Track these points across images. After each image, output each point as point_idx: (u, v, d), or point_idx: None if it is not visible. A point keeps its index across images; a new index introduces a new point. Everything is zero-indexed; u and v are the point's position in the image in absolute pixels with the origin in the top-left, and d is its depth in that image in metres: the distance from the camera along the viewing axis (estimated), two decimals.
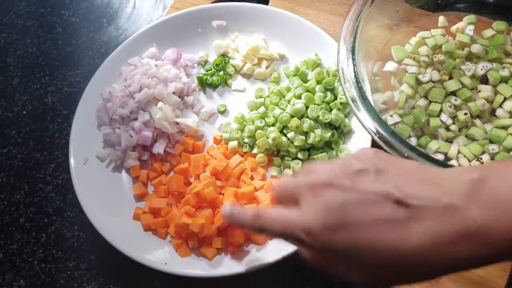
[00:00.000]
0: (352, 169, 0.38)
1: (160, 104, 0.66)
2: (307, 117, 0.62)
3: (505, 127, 0.56)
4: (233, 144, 0.65)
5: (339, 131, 0.64)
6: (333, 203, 0.37)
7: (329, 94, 0.64)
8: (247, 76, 0.72)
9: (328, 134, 0.62)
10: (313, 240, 0.38)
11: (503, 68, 0.59)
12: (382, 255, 0.36)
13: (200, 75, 0.72)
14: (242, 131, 0.66)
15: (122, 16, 0.86)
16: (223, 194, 0.60)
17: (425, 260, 0.35)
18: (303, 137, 0.61)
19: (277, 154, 0.64)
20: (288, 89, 0.67)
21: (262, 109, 0.66)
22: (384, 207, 0.36)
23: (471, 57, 0.61)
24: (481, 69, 0.59)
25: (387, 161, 0.39)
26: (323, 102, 0.64)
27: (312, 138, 0.61)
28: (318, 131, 0.61)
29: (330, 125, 0.64)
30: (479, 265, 0.35)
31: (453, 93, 0.58)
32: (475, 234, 0.34)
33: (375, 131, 0.52)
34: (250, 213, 0.42)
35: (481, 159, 0.55)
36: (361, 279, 0.39)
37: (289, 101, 0.65)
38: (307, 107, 0.63)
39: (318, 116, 0.62)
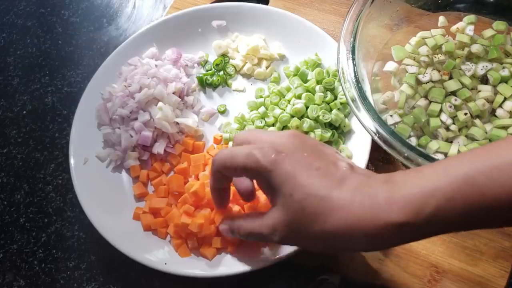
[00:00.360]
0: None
1: (160, 104, 0.66)
2: (307, 117, 0.62)
3: (505, 127, 0.56)
4: None
5: (339, 131, 0.64)
6: (294, 139, 0.46)
7: (329, 94, 0.64)
8: (247, 76, 0.72)
9: (328, 134, 0.62)
10: (264, 156, 0.44)
11: (503, 68, 0.59)
12: (308, 192, 0.41)
13: (200, 75, 0.72)
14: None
15: (122, 16, 0.86)
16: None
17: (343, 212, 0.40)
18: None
19: None
20: (288, 89, 0.67)
21: (262, 109, 0.66)
22: (337, 166, 0.43)
23: (471, 57, 0.61)
24: (481, 69, 0.59)
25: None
26: (323, 102, 0.64)
27: None
28: (318, 131, 0.61)
29: (330, 125, 0.64)
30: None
31: (453, 93, 0.58)
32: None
33: (375, 131, 0.52)
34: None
35: None
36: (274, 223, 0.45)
37: (289, 101, 0.65)
38: (307, 107, 0.63)
39: (318, 116, 0.62)
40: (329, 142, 0.63)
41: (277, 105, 0.66)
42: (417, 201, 0.38)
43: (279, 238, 0.45)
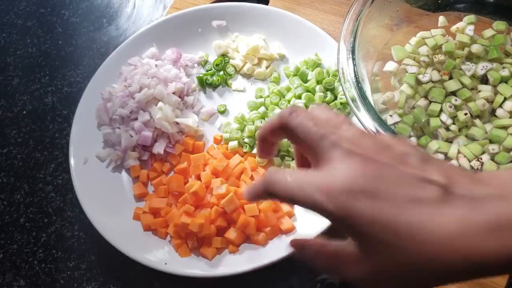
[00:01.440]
0: (396, 151, 0.33)
1: (160, 104, 0.66)
2: None
3: (505, 127, 0.56)
4: (233, 144, 0.65)
5: None
6: (368, 170, 0.32)
7: (329, 94, 0.64)
8: (247, 76, 0.72)
9: None
10: (329, 201, 0.31)
11: (503, 68, 0.59)
12: (402, 235, 0.30)
13: (200, 75, 0.72)
14: (242, 131, 0.66)
15: (122, 16, 0.86)
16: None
17: (446, 249, 0.30)
18: None
19: (277, 154, 0.64)
20: (288, 89, 0.67)
21: (262, 109, 0.66)
22: (426, 189, 0.31)
23: (471, 57, 0.61)
24: (481, 69, 0.58)
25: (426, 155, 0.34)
26: (323, 102, 0.64)
27: None
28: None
29: None
30: (503, 267, 0.31)
31: (453, 93, 0.58)
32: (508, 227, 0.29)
33: (375, 131, 0.52)
34: (260, 181, 0.36)
35: (481, 159, 0.55)
36: (362, 271, 0.33)
37: (289, 101, 0.65)
38: (307, 107, 0.63)
39: None
40: None
41: (277, 105, 0.66)
42: None
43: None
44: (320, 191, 0.32)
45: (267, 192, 0.36)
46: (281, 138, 0.39)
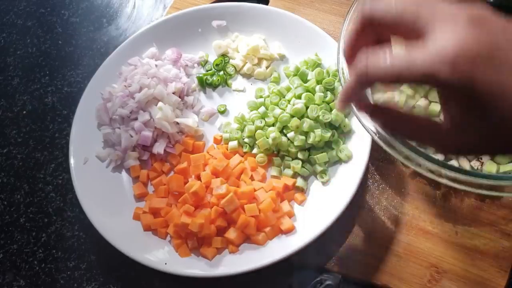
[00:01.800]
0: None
1: (160, 104, 0.66)
2: (307, 117, 0.62)
3: None
4: (233, 144, 0.65)
5: (339, 131, 0.64)
6: (480, 36, 0.29)
7: (329, 94, 0.64)
8: (247, 76, 0.72)
9: (328, 134, 0.62)
10: (449, 68, 0.29)
11: None
12: None
13: (200, 75, 0.72)
14: (242, 131, 0.66)
15: (122, 16, 0.86)
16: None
17: None
18: (303, 137, 0.61)
19: (277, 154, 0.64)
20: (288, 89, 0.67)
21: (262, 109, 0.66)
22: None
23: None
24: None
25: None
26: (323, 102, 0.64)
27: (312, 138, 0.61)
28: (318, 131, 0.61)
29: (330, 125, 0.64)
30: None
31: None
32: None
33: (375, 131, 0.52)
34: (353, 78, 0.34)
35: (481, 159, 0.55)
36: (476, 143, 0.32)
37: (289, 101, 0.65)
38: (307, 107, 0.63)
39: (318, 116, 0.62)
40: (329, 142, 0.63)
41: (277, 105, 0.66)
42: None
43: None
44: (437, 61, 0.29)
45: (365, 83, 0.34)
46: (369, 41, 0.36)
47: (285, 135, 0.63)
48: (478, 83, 0.29)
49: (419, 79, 0.31)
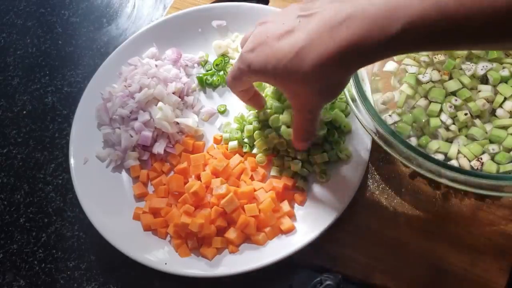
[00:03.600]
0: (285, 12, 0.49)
1: (160, 104, 0.66)
2: None
3: (505, 127, 0.56)
4: (233, 144, 0.65)
5: (339, 131, 0.63)
6: (257, 31, 0.49)
7: None
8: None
9: (323, 132, 0.61)
10: (242, 61, 0.50)
11: (503, 68, 0.59)
12: (283, 61, 0.45)
13: (200, 75, 0.72)
14: (242, 131, 0.66)
15: (122, 16, 0.86)
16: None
17: (314, 48, 0.43)
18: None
19: (277, 154, 0.64)
20: None
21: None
22: (290, 20, 0.46)
23: (471, 57, 0.61)
24: (481, 69, 0.58)
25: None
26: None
27: None
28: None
29: (330, 125, 0.63)
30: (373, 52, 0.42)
31: (453, 93, 0.58)
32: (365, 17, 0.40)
33: (375, 131, 0.52)
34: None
35: (481, 159, 0.55)
36: (290, 97, 0.50)
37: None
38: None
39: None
40: (329, 142, 0.63)
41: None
42: None
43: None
44: (239, 62, 0.52)
45: (232, 82, 0.57)
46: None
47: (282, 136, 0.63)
48: (253, 64, 0.49)
49: (237, 75, 0.53)
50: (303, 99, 0.50)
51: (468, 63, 0.60)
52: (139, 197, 0.65)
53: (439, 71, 0.60)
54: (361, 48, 0.41)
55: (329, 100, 0.53)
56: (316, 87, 0.47)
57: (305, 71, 0.44)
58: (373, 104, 0.54)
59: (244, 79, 0.53)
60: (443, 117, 0.57)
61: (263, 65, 0.47)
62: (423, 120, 0.58)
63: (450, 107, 0.57)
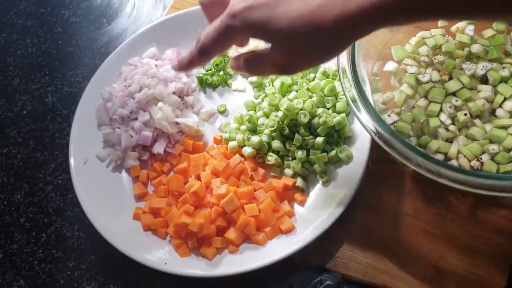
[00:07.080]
0: None
1: (160, 104, 0.66)
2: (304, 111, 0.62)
3: (505, 127, 0.56)
4: (233, 144, 0.65)
5: (339, 133, 0.63)
6: None
7: (331, 100, 0.64)
8: (247, 76, 0.72)
9: (336, 119, 0.61)
10: (234, 18, 0.45)
11: (503, 68, 0.59)
12: (282, 21, 0.42)
13: (200, 75, 0.72)
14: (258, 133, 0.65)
15: (122, 16, 0.86)
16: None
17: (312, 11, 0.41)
18: (299, 137, 0.61)
19: (277, 154, 0.64)
20: (286, 89, 0.67)
21: (260, 112, 0.66)
22: None
23: (471, 57, 0.61)
24: (481, 69, 0.58)
25: None
26: (324, 106, 0.64)
27: (317, 119, 0.61)
28: (320, 110, 0.62)
29: (332, 128, 0.63)
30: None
31: (453, 94, 0.58)
32: None
33: (375, 131, 0.52)
34: (191, 50, 0.49)
35: (481, 159, 0.55)
36: (275, 58, 0.46)
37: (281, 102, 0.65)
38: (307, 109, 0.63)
39: (321, 118, 0.62)
40: (329, 143, 0.63)
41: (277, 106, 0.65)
42: None
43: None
44: (227, 16, 0.45)
45: (201, 53, 0.48)
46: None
47: (284, 135, 0.63)
48: (252, 20, 0.44)
49: (224, 31, 0.46)
50: (300, 56, 0.46)
51: (468, 63, 0.60)
52: (139, 197, 0.65)
53: (439, 71, 0.60)
54: (383, 8, 0.41)
55: (320, 63, 0.49)
56: (325, 46, 0.44)
57: (326, 26, 0.42)
58: (373, 104, 0.54)
59: (232, 37, 0.47)
60: (443, 117, 0.57)
61: (267, 20, 0.44)
62: (423, 120, 0.58)
63: (450, 107, 0.57)
